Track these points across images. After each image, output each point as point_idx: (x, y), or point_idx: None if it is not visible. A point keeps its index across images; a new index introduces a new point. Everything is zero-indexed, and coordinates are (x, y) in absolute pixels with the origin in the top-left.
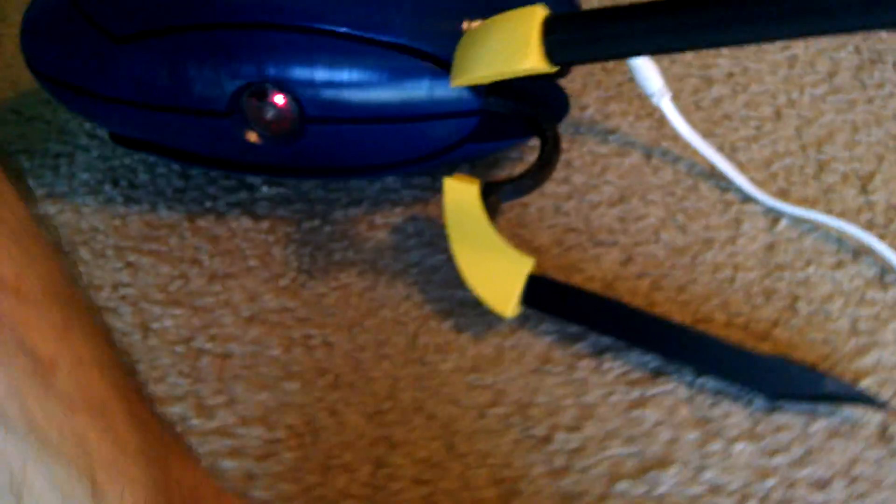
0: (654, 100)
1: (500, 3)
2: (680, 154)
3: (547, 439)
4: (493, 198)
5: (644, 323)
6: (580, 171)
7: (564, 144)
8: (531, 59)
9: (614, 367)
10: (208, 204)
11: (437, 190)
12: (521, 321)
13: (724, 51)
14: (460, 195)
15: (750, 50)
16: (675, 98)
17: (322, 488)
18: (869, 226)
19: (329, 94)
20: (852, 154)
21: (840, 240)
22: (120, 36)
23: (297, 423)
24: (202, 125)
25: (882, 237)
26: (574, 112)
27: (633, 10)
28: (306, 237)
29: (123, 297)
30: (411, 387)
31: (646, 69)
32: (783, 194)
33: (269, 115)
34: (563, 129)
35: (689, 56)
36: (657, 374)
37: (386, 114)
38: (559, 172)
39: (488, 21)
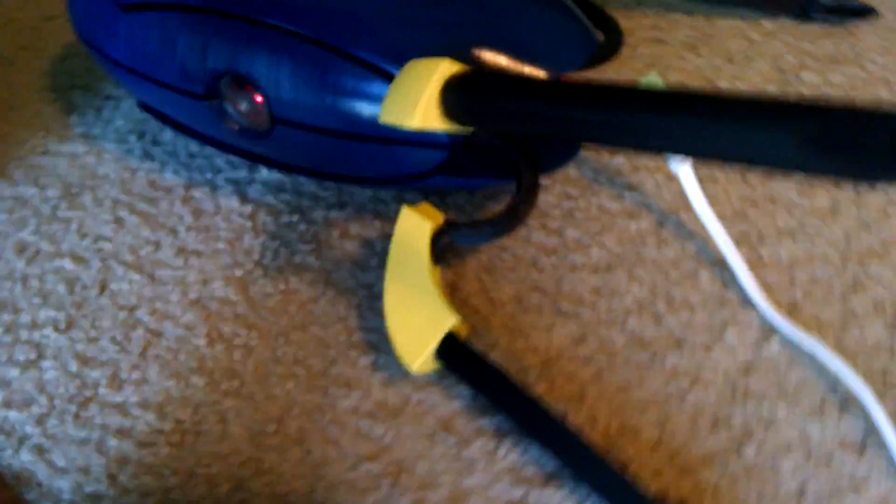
0: (672, 166)
1: (478, 37)
2: (695, 231)
3: None
4: (447, 239)
5: (542, 421)
6: (579, 224)
7: (575, 191)
8: (418, 119)
9: (509, 456)
10: (209, 175)
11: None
12: (441, 376)
13: None
14: (413, 228)
15: None
16: (721, 165)
17: (179, 492)
18: (880, 374)
19: (294, 97)
20: None
21: (834, 383)
22: (124, 4)
23: (187, 420)
24: (184, 103)
25: (884, 395)
26: (602, 157)
27: (535, 87)
28: (279, 231)
29: (99, 251)
30: (303, 416)
31: None
32: (793, 309)
33: (244, 106)
34: (582, 173)
35: None
36: (550, 478)
37: (349, 130)
38: (555, 221)
39: (405, 66)
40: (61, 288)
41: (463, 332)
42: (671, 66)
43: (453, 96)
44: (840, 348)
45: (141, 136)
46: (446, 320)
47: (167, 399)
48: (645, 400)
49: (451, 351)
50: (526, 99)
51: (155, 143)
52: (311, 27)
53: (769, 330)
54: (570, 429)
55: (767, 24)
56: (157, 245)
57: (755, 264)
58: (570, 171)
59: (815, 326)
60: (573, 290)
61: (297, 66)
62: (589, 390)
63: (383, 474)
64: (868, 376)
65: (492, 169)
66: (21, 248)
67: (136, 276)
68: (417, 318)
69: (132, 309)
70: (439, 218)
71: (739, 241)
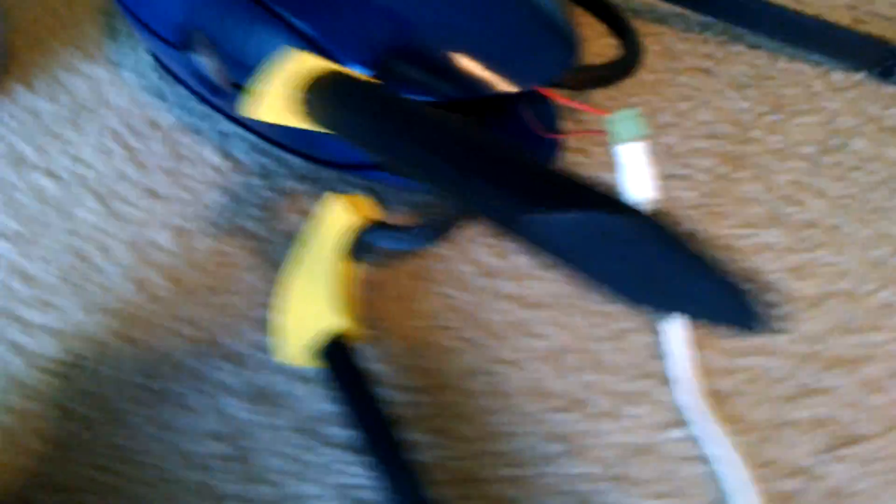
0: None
1: (438, 37)
2: None
3: (220, 500)
4: (366, 238)
5: (385, 448)
6: (519, 249)
7: None
8: (257, 111)
9: (353, 473)
10: (205, 123)
11: (387, 200)
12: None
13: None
14: (334, 218)
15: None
16: (715, 221)
17: (53, 424)
18: (782, 500)
19: (246, 64)
20: (866, 401)
21: (727, 495)
22: None
23: (83, 355)
24: (166, 51)
25: None
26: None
27: (369, 106)
28: (241, 192)
29: (79, 176)
30: (179, 378)
31: (634, 163)
32: (721, 400)
33: (211, 63)
34: None
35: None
36: None
37: None
38: (508, 243)
39: (278, 57)
40: (34, 205)
41: (354, 336)
42: (709, 104)
43: (309, 95)
44: (752, 458)
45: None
46: (332, 320)
47: (77, 332)
48: (513, 455)
49: (332, 352)
50: (357, 115)
51: (174, 82)
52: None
53: (680, 417)
54: (411, 464)
55: (838, 76)
56: (130, 181)
57: (700, 340)
58: None
59: (737, 427)
60: (491, 320)
61: (249, 31)
62: (460, 428)
63: (224, 457)
64: (770, 500)
65: None
66: (16, 158)
67: (99, 208)
68: (305, 309)
69: (84, 238)
70: (370, 213)
71: None
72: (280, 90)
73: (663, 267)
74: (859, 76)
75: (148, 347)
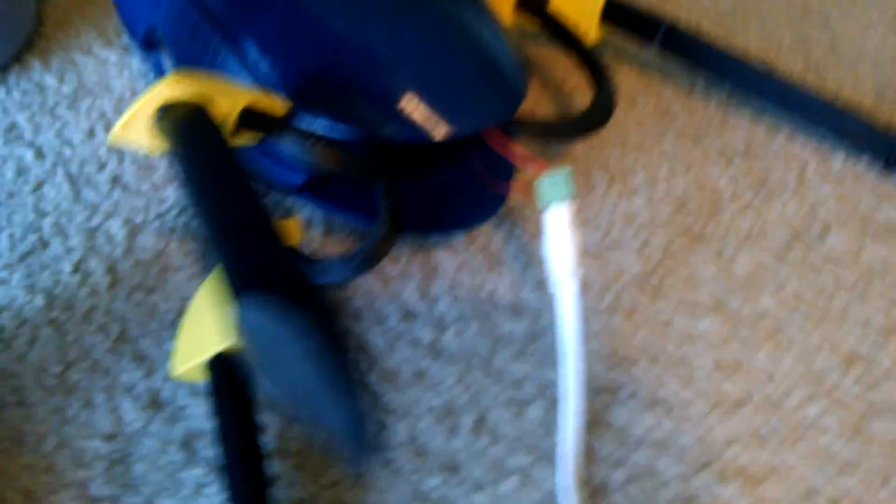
0: (553, 280)
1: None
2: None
3: (92, 502)
4: None
5: (242, 477)
6: (457, 300)
7: (482, 265)
8: (132, 132)
9: (215, 497)
10: None
11: (332, 227)
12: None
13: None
14: None
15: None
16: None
17: None
18: None
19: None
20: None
21: None
22: None
23: (7, 330)
24: (137, 50)
25: None
26: (537, 238)
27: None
28: None
29: (59, 154)
30: (88, 371)
31: (555, 228)
32: (598, 491)
33: (169, 64)
34: (506, 246)
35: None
36: None
37: None
38: (437, 287)
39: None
40: (10, 175)
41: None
42: (688, 173)
43: (158, 116)
44: None
45: None
46: (229, 339)
47: (9, 305)
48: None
49: (217, 370)
50: (178, 148)
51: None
52: (219, 4)
53: (554, 502)
54: (262, 495)
55: (838, 161)
56: (102, 167)
57: (597, 425)
58: (497, 240)
59: None
60: (397, 366)
61: (190, 37)
62: (326, 470)
63: (109, 459)
64: None
65: (354, 203)
66: (10, 129)
67: (67, 188)
68: (205, 328)
69: (44, 215)
70: (293, 239)
71: (602, 390)
72: (142, 111)
73: (308, 371)
74: (861, 165)
75: (73, 339)
